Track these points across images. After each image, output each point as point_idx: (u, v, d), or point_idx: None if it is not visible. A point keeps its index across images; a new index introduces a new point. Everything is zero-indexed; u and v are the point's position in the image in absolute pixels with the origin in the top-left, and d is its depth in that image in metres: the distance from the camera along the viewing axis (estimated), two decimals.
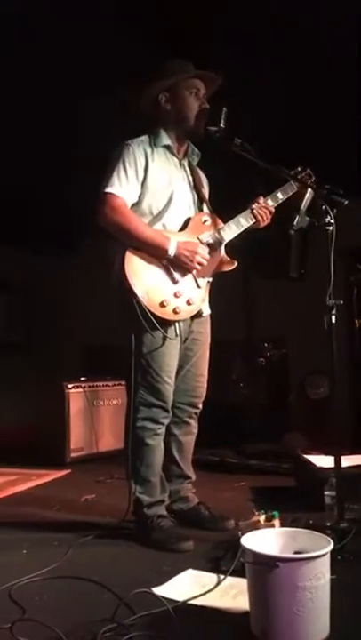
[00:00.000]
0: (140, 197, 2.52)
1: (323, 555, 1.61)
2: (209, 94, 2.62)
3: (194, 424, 2.77)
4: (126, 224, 2.43)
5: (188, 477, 2.75)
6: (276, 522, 2.32)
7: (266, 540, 1.80)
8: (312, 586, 1.59)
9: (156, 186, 2.53)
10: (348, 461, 2.98)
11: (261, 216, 2.60)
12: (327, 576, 1.64)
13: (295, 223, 2.28)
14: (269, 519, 2.33)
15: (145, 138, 2.60)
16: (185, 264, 2.49)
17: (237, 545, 2.16)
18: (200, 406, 2.76)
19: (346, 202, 2.26)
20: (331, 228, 2.25)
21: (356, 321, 3.71)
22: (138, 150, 2.53)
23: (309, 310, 4.74)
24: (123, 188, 2.47)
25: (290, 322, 5.08)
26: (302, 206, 2.28)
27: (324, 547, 1.67)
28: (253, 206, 2.62)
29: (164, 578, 2.10)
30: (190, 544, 2.38)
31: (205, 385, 2.77)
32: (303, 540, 1.79)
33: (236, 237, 2.63)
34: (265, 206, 2.62)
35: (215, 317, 2.77)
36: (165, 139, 2.60)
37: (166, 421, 2.58)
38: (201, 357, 2.72)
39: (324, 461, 2.99)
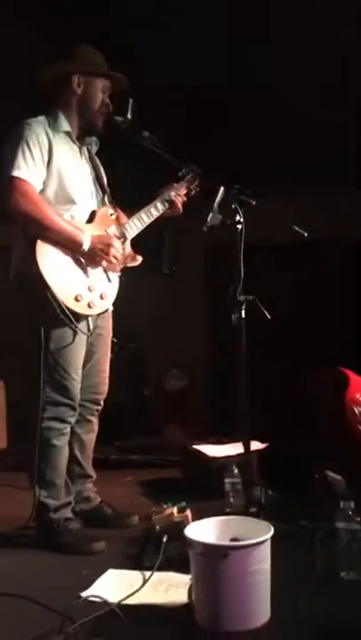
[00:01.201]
0: (45, 183, 2.37)
1: (267, 539, 1.69)
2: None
3: (95, 421, 2.70)
4: (39, 214, 2.29)
5: (90, 476, 2.68)
6: (188, 512, 2.36)
7: (202, 530, 1.83)
8: (260, 569, 1.66)
9: (61, 172, 2.40)
10: (231, 449, 3.17)
11: (178, 202, 2.62)
12: (269, 559, 1.72)
13: (208, 220, 2.33)
14: (182, 510, 2.37)
15: (42, 119, 2.43)
16: (100, 258, 2.42)
17: (155, 539, 2.22)
18: (102, 403, 2.71)
19: (254, 202, 2.36)
20: (240, 226, 2.34)
21: (233, 316, 3.87)
22: (40, 131, 2.37)
23: (168, 307, 4.93)
24: (30, 171, 2.31)
25: (148, 318, 5.17)
26: (215, 204, 2.34)
27: (260, 531, 1.75)
28: (170, 193, 2.62)
29: (86, 582, 2.03)
30: (102, 544, 2.33)
31: (107, 381, 2.72)
32: (237, 526, 1.85)
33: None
34: (179, 194, 2.63)
35: None
36: (65, 124, 2.47)
37: (73, 420, 2.50)
38: (104, 353, 2.67)
39: (213, 451, 3.11)
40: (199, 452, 3.10)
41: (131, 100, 2.47)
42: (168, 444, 3.81)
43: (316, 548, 2.10)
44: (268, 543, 1.70)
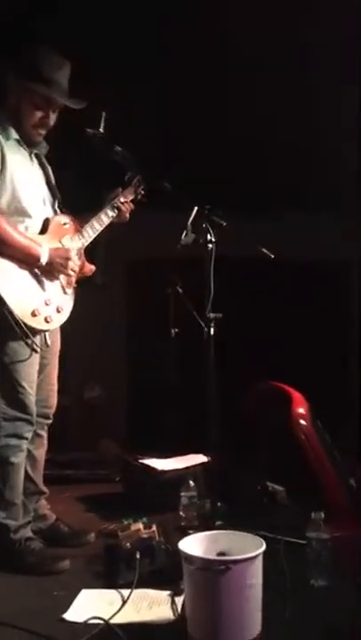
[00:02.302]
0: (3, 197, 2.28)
1: (262, 552, 1.75)
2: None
3: (45, 436, 2.64)
4: None
5: (43, 492, 2.60)
6: (155, 528, 2.37)
7: (190, 545, 1.85)
8: (257, 583, 1.72)
9: (14, 182, 2.31)
10: (176, 463, 3.21)
11: (126, 209, 2.61)
12: (261, 573, 1.78)
13: (182, 238, 2.38)
14: (148, 526, 2.37)
15: None
16: (58, 271, 2.38)
17: (126, 556, 2.20)
18: (52, 417, 2.64)
19: (224, 223, 2.45)
20: (211, 245, 2.42)
21: (173, 330, 3.93)
22: None
23: (88, 320, 4.89)
24: None
25: (69, 330, 5.10)
26: (189, 223, 2.39)
27: (248, 544, 1.81)
28: (120, 199, 2.60)
29: (62, 603, 1.99)
30: (67, 562, 2.29)
31: (56, 395, 2.66)
32: (223, 541, 1.89)
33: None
34: (126, 200, 2.62)
35: None
36: (14, 132, 2.35)
37: (30, 435, 2.42)
38: (54, 366, 2.61)
39: (160, 464, 3.13)
40: (146, 465, 3.11)
41: (104, 114, 2.46)
42: (103, 458, 3.78)
43: (281, 558, 2.21)
44: (261, 557, 1.77)
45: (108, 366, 4.96)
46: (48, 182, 2.52)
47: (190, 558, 1.73)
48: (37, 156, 2.49)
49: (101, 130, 2.45)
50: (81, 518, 2.89)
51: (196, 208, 2.40)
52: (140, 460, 3.20)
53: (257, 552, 1.71)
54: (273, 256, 2.49)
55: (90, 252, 4.25)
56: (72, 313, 5.14)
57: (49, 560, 2.27)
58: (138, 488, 3.12)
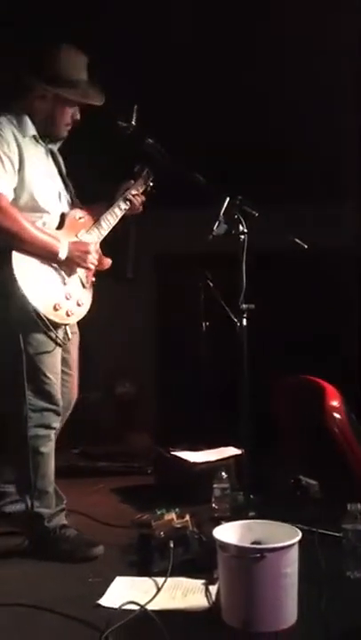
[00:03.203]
0: (16, 192, 2.30)
1: (297, 541, 1.74)
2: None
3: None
4: (17, 229, 2.22)
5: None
6: (188, 517, 2.37)
7: (224, 533, 1.85)
8: (291, 572, 1.71)
9: (32, 180, 2.33)
10: (208, 456, 3.21)
11: (136, 201, 2.61)
12: (297, 561, 1.77)
13: (215, 229, 2.37)
14: (181, 516, 2.37)
15: (6, 120, 2.32)
16: (77, 265, 2.41)
17: (160, 545, 2.21)
18: (71, 408, 2.66)
19: (257, 213, 2.43)
20: (243, 236, 2.41)
21: (204, 324, 3.94)
22: (9, 137, 2.29)
23: (118, 315, 4.92)
24: (3, 181, 2.24)
25: (98, 324, 5.13)
26: (221, 213, 2.39)
27: (283, 534, 1.80)
28: (132, 191, 2.61)
29: (97, 590, 2.01)
30: (101, 548, 2.32)
31: (77, 387, 2.68)
32: (258, 530, 1.89)
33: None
34: (137, 193, 2.62)
35: None
36: (32, 129, 2.38)
37: (57, 425, 2.45)
38: (75, 359, 2.64)
39: (192, 457, 3.14)
40: (179, 458, 3.12)
41: (135, 106, 2.47)
42: (133, 450, 3.80)
43: (316, 549, 2.19)
44: (297, 546, 1.76)
45: (140, 361, 4.99)
46: (62, 176, 2.54)
47: (225, 546, 1.73)
48: (51, 151, 2.51)
49: (133, 122, 2.46)
50: (116, 509, 2.93)
51: (228, 198, 2.39)
52: (173, 452, 3.21)
53: (292, 541, 1.71)
54: (306, 246, 2.47)
55: (120, 247, 4.30)
56: (103, 309, 5.20)
57: (83, 547, 2.30)
58: (170, 480, 3.13)
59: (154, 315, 5.09)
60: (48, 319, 2.30)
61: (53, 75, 2.33)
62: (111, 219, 2.57)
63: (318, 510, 2.59)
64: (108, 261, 2.65)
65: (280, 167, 3.36)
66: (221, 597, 1.78)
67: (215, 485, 2.74)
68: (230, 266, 2.66)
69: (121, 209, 2.59)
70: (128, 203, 2.61)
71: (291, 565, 1.70)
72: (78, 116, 2.41)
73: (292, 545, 1.71)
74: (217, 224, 2.37)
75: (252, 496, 2.75)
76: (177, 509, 2.45)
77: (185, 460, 3.08)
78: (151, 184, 2.70)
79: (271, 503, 2.72)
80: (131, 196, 2.60)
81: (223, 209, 2.40)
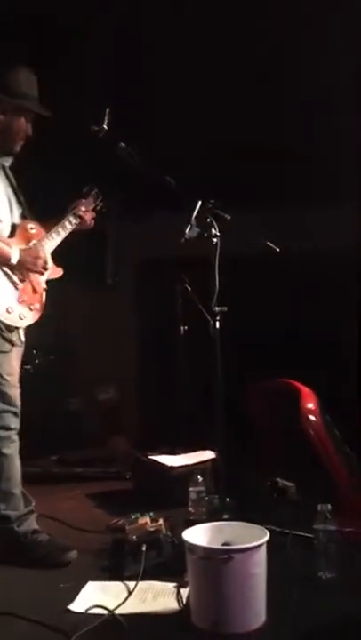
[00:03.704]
0: None
1: (265, 542, 1.74)
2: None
3: None
4: None
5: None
6: (162, 521, 2.37)
7: (195, 535, 1.85)
8: (260, 572, 1.71)
9: None
10: (185, 460, 3.21)
11: (87, 218, 2.67)
12: (265, 562, 1.77)
13: (186, 232, 2.38)
14: (155, 520, 2.37)
15: None
16: (28, 270, 2.44)
17: (133, 549, 2.20)
18: None
19: (229, 217, 2.45)
20: (216, 239, 2.42)
21: (182, 327, 3.94)
22: None
23: (98, 321, 4.91)
24: None
25: (79, 329, 5.11)
26: (193, 217, 2.40)
27: (252, 535, 1.80)
28: (81, 208, 2.66)
29: (69, 595, 2.00)
30: (74, 553, 2.31)
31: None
32: (228, 531, 1.89)
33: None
34: (86, 210, 2.68)
35: None
36: None
37: (17, 426, 2.44)
38: (20, 365, 2.61)
39: (169, 461, 3.14)
40: (157, 462, 3.11)
41: (107, 110, 2.48)
42: (113, 456, 3.79)
43: (289, 551, 2.20)
44: (265, 546, 1.76)
45: (121, 366, 4.98)
46: (14, 191, 2.57)
47: (193, 548, 1.73)
48: (2, 166, 2.55)
49: (105, 126, 2.48)
50: (91, 514, 2.92)
51: (199, 202, 2.40)
52: (150, 457, 3.21)
53: (259, 542, 1.71)
54: (278, 249, 2.48)
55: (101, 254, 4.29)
56: (82, 315, 5.19)
57: (56, 552, 2.28)
58: (147, 484, 3.13)
59: (136, 319, 5.10)
60: (1, 321, 2.34)
61: (12, 89, 2.39)
62: (62, 231, 2.63)
63: (295, 512, 2.60)
64: (59, 270, 2.69)
65: (252, 170, 3.37)
66: (191, 599, 1.77)
67: (191, 489, 2.73)
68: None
69: (71, 223, 2.65)
70: (78, 218, 2.67)
71: (259, 566, 1.70)
72: (30, 132, 2.46)
73: (260, 546, 1.71)
74: (189, 227, 2.38)
75: (228, 499, 2.75)
76: (151, 513, 2.45)
77: (162, 464, 3.08)
78: (101, 203, 2.78)
79: (247, 506, 2.72)
80: (81, 213, 2.67)
81: (195, 212, 2.41)
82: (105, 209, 2.80)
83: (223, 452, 2.97)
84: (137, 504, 2.78)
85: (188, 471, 2.94)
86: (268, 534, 1.77)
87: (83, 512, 2.97)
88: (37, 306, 2.51)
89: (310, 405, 2.98)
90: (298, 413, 2.94)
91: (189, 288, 3.72)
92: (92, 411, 4.96)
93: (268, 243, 2.48)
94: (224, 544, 1.84)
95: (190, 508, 2.74)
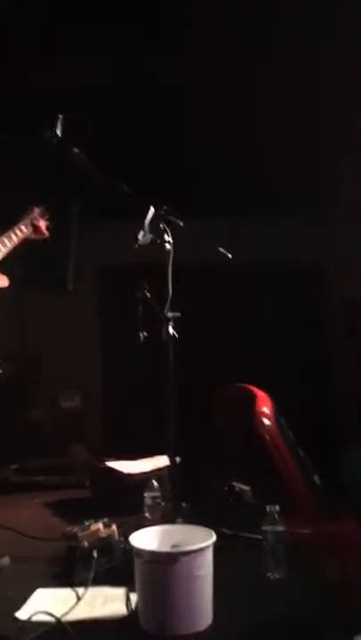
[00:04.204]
0: None
1: (211, 544, 1.76)
2: None
3: None
4: None
5: None
6: (114, 527, 2.37)
7: (144, 538, 1.86)
8: (205, 574, 1.72)
9: None
10: (142, 466, 3.21)
11: (40, 226, 2.75)
12: (211, 564, 1.78)
13: (140, 238, 2.40)
14: (107, 525, 2.37)
15: None
16: None
17: (84, 555, 2.20)
18: None
19: (181, 223, 2.48)
20: (169, 245, 2.44)
21: (141, 334, 3.95)
22: None
23: (61, 328, 4.89)
24: None
25: (40, 336, 5.08)
26: (146, 223, 2.41)
27: (200, 537, 1.82)
28: (32, 217, 2.74)
29: (17, 602, 1.97)
30: (7, 559, 2.31)
31: None
32: (177, 534, 1.90)
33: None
34: (41, 217, 2.75)
35: None
36: None
37: None
38: None
39: (127, 468, 3.13)
40: (113, 469, 3.11)
41: (60, 116, 2.50)
42: (74, 464, 3.77)
43: (240, 552, 2.22)
44: (211, 548, 1.77)
45: (83, 373, 4.96)
46: None
47: (139, 551, 1.73)
48: None
49: (59, 133, 2.49)
50: (47, 523, 2.89)
51: (152, 208, 2.42)
52: (107, 464, 3.20)
53: (204, 544, 1.72)
54: (230, 255, 2.52)
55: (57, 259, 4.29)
56: (43, 322, 5.13)
57: None
58: (104, 491, 3.11)
59: (97, 325, 5.09)
60: None
61: None
62: (7, 242, 2.66)
63: (249, 515, 2.63)
64: (5, 279, 2.70)
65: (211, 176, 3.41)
66: (138, 603, 1.78)
67: (146, 494, 2.74)
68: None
69: (17, 235, 2.69)
70: (31, 228, 2.74)
71: (204, 568, 1.72)
72: None
73: (205, 548, 1.72)
74: (142, 233, 2.40)
75: (183, 504, 2.76)
76: (105, 520, 2.45)
77: (118, 471, 3.07)
78: (47, 219, 2.86)
79: (203, 510, 2.74)
80: (32, 223, 2.75)
81: (148, 219, 2.42)
82: (51, 226, 2.87)
83: (177, 457, 2.98)
84: (94, 511, 2.79)
85: (145, 478, 2.94)
86: (214, 537, 1.79)
87: (40, 520, 2.94)
88: None
89: (265, 409, 3.02)
90: (253, 417, 2.98)
91: (149, 294, 3.75)
92: (54, 419, 4.93)
93: (221, 249, 2.51)
94: (173, 547, 1.86)
95: (147, 514, 2.75)
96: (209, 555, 1.75)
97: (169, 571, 1.67)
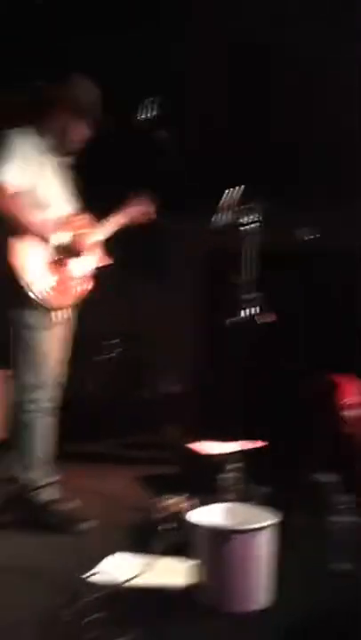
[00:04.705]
0: (23, 189, 2.51)
1: (269, 525, 1.77)
2: None
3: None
4: (17, 214, 2.45)
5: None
6: (187, 503, 2.44)
7: (205, 516, 1.91)
8: (263, 554, 1.74)
9: (36, 181, 2.55)
10: (227, 447, 3.26)
11: (136, 216, 2.80)
12: (272, 545, 1.80)
13: (216, 221, 2.42)
14: (182, 501, 2.45)
15: (22, 132, 2.57)
16: (73, 252, 2.60)
17: (153, 527, 2.30)
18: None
19: (260, 206, 2.47)
20: (247, 228, 2.45)
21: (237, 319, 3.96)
22: (23, 140, 2.54)
23: (165, 309, 4.99)
24: (12, 176, 2.45)
25: (145, 319, 5.24)
26: (223, 205, 2.42)
27: (262, 518, 1.83)
28: (136, 202, 2.80)
29: (87, 564, 2.11)
30: (90, 523, 2.44)
31: (62, 371, 2.78)
32: (240, 513, 1.94)
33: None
34: (140, 206, 2.80)
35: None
36: (42, 142, 2.62)
37: (47, 402, 2.58)
38: (69, 343, 2.77)
39: (209, 448, 3.22)
40: (195, 449, 3.20)
41: (153, 99, 2.58)
42: (168, 443, 3.92)
43: (310, 540, 2.20)
44: (270, 529, 1.78)
45: (182, 357, 5.07)
46: (69, 186, 2.77)
47: (197, 527, 1.78)
48: (60, 164, 2.74)
49: (152, 116, 2.57)
50: (134, 494, 3.05)
51: (228, 191, 2.42)
52: (195, 445, 3.30)
53: (263, 524, 1.73)
54: (314, 236, 2.46)
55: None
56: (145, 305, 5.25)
57: (72, 522, 2.43)
58: (187, 469, 3.23)
59: (197, 311, 5.16)
60: (44, 300, 2.49)
61: (75, 104, 2.60)
62: (108, 225, 2.76)
63: (326, 504, 2.57)
64: (107, 259, 2.82)
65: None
66: (197, 577, 1.83)
67: (223, 476, 2.78)
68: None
69: (118, 219, 2.78)
70: (127, 215, 2.80)
71: (262, 548, 1.73)
72: (88, 135, 2.66)
73: (263, 528, 1.74)
74: (219, 216, 2.41)
75: (262, 488, 2.77)
76: (185, 495, 2.53)
77: (199, 451, 3.17)
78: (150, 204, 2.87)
79: (281, 494, 2.72)
80: (131, 211, 2.80)
81: (225, 201, 2.43)
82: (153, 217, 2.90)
83: (263, 441, 2.99)
84: (178, 487, 2.87)
85: (225, 459, 2.99)
86: (275, 519, 1.79)
87: (128, 491, 3.12)
88: (81, 288, 2.66)
89: (346, 400, 2.95)
90: (341, 408, 2.92)
91: (243, 278, 3.75)
92: (155, 399, 5.11)
93: (305, 236, 2.46)
94: (234, 525, 1.89)
95: (224, 493, 2.80)
96: (268, 535, 1.76)
97: (226, 548, 1.71)
